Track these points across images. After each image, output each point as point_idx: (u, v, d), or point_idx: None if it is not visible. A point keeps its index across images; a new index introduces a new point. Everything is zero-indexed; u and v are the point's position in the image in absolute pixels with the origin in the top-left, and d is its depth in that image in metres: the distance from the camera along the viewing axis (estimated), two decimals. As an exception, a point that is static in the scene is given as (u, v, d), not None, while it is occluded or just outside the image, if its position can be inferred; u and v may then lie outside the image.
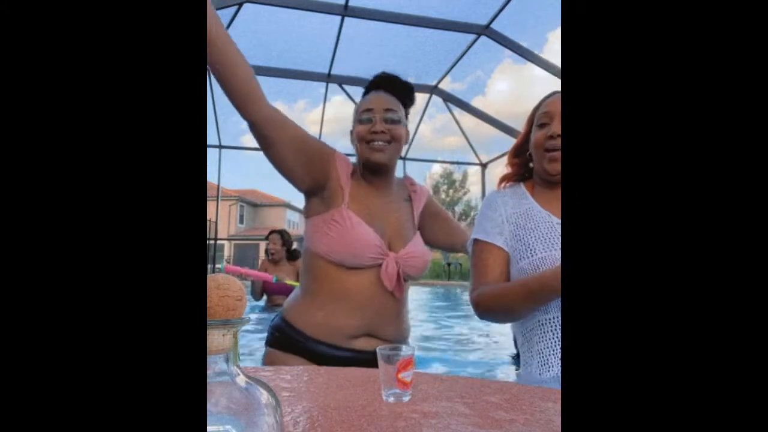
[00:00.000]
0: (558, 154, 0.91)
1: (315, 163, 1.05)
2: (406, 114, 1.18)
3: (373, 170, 1.09)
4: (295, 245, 3.59)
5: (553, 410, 0.56)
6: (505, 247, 0.95)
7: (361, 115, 1.08)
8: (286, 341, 1.04)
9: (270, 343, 1.09)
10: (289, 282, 3.39)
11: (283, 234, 3.59)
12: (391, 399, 0.59)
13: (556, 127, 0.91)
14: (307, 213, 1.10)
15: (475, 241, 0.98)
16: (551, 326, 0.88)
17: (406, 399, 0.60)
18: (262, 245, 3.70)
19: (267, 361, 1.08)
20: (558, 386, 0.83)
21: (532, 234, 0.92)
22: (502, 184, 1.06)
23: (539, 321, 0.89)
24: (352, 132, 1.13)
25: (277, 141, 0.98)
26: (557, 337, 0.87)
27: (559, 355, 0.86)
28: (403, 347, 0.61)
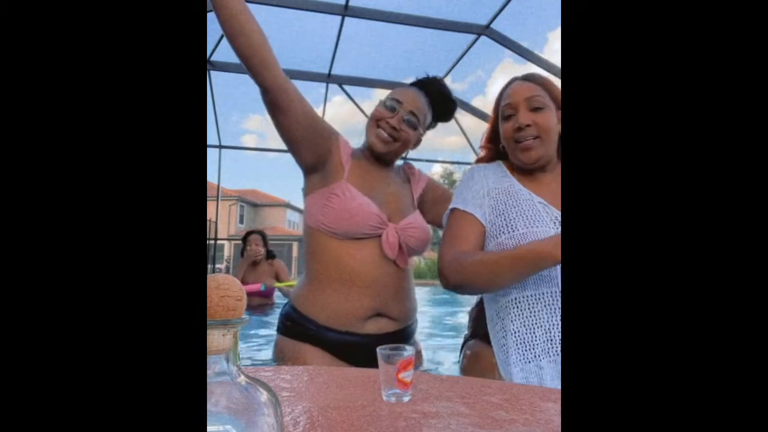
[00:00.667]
0: (529, 143, 0.91)
1: (321, 138, 1.08)
2: (433, 125, 1.21)
3: (374, 155, 1.13)
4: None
5: (553, 410, 0.56)
6: (483, 220, 0.92)
7: (388, 100, 1.10)
8: (297, 330, 1.06)
9: (281, 331, 1.11)
10: (278, 285, 3.38)
11: (263, 234, 3.59)
12: (392, 399, 0.59)
13: (522, 118, 0.91)
14: (307, 191, 1.12)
15: (453, 210, 0.96)
16: (528, 304, 0.85)
17: (406, 399, 0.60)
18: (262, 245, 3.68)
19: (277, 348, 1.09)
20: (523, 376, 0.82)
21: (514, 210, 0.90)
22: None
23: (514, 299, 0.86)
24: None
25: (289, 110, 1.01)
26: (534, 316, 0.84)
27: (537, 334, 0.83)
28: (404, 347, 0.61)
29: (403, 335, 1.11)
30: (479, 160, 1.07)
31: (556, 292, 0.83)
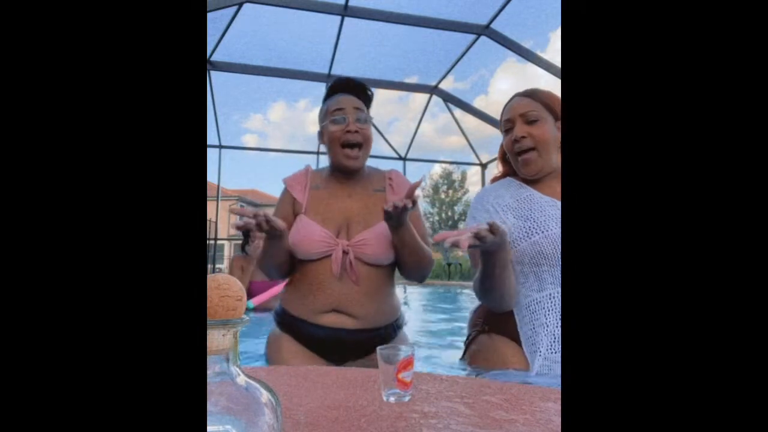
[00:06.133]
0: (528, 157, 1.02)
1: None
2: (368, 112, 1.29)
3: (341, 171, 1.21)
4: None
5: (553, 410, 0.56)
6: None
7: (332, 115, 1.19)
8: (282, 322, 1.25)
9: (276, 322, 1.29)
10: None
11: None
12: (391, 399, 0.59)
13: (518, 131, 1.03)
14: None
15: None
16: (558, 301, 0.94)
17: (406, 399, 0.60)
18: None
19: (270, 336, 1.27)
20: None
21: (540, 214, 1.00)
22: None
23: (549, 294, 0.96)
24: (321, 133, 1.24)
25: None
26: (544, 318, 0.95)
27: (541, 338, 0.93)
28: (403, 347, 0.61)
29: (368, 335, 1.17)
30: (495, 179, 1.17)
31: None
